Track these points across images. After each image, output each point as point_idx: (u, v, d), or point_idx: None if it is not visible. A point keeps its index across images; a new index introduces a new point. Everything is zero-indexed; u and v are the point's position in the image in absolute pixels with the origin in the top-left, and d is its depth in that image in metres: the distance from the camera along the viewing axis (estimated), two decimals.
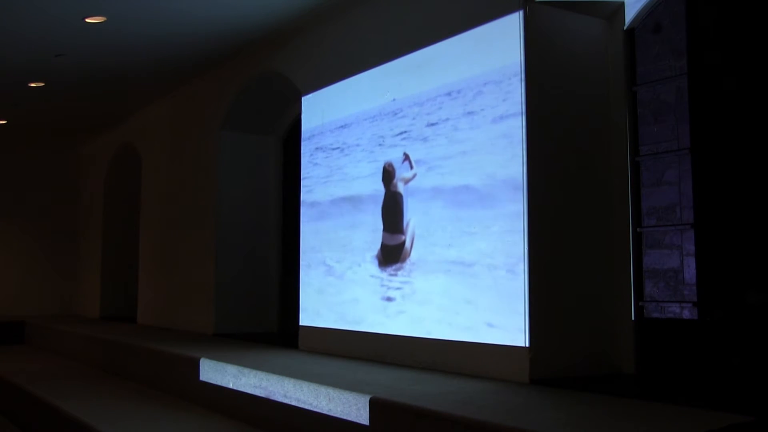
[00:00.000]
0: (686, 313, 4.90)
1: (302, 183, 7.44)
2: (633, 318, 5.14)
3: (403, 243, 6.01)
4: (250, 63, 8.54)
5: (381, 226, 6.29)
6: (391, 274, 6.10)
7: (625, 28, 5.34)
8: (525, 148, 4.98)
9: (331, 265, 6.86)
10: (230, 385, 5.78)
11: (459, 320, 5.40)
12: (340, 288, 6.72)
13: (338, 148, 6.91)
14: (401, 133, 6.14)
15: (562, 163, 5.17)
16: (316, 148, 7.23)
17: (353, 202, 6.66)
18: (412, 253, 5.88)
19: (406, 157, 6.06)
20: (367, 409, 4.34)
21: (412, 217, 5.93)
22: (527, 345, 4.86)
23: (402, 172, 6.09)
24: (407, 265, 5.93)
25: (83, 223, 14.03)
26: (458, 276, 5.44)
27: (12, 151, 13.67)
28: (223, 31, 7.87)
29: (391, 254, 6.14)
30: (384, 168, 6.30)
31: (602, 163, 5.34)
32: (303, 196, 7.39)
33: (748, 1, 4.81)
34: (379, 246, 6.28)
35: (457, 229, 5.49)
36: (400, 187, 6.11)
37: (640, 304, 5.15)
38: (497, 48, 5.25)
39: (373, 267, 6.32)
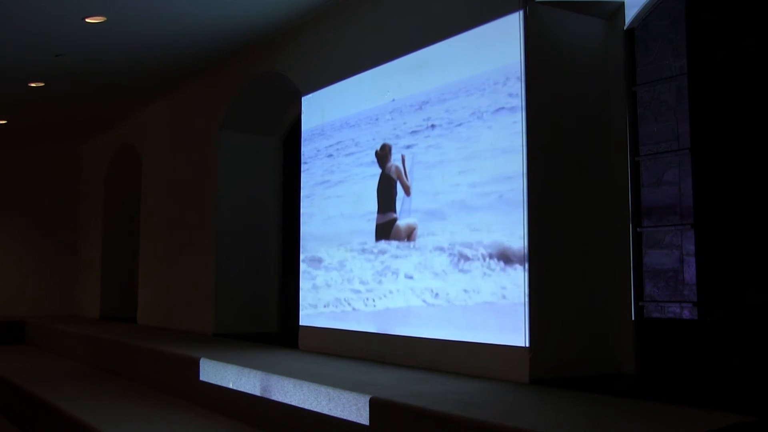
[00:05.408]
0: (686, 313, 4.90)
1: (302, 183, 7.44)
2: (633, 318, 5.14)
3: (394, 220, 6.04)
4: (250, 63, 8.54)
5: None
6: (385, 250, 6.13)
7: (625, 28, 5.34)
8: (525, 147, 4.98)
9: (332, 263, 6.86)
10: (230, 385, 5.78)
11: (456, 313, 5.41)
12: (340, 287, 6.72)
13: (338, 148, 6.91)
14: (401, 133, 6.14)
15: (562, 163, 5.18)
16: (316, 148, 7.24)
17: (353, 201, 6.66)
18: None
19: (403, 160, 6.08)
20: (367, 409, 4.34)
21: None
22: (527, 345, 4.86)
23: (402, 168, 6.10)
24: (402, 244, 5.94)
25: (83, 223, 14.02)
26: (457, 275, 5.44)
27: (12, 152, 13.67)
28: (224, 31, 7.87)
29: (383, 233, 6.19)
30: (375, 152, 6.37)
31: (602, 163, 5.34)
32: (303, 196, 7.39)
33: (748, 0, 4.81)
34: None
35: (457, 227, 5.49)
36: (393, 173, 6.15)
37: (640, 304, 5.15)
38: (497, 48, 5.25)
39: (373, 263, 6.32)
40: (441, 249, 5.62)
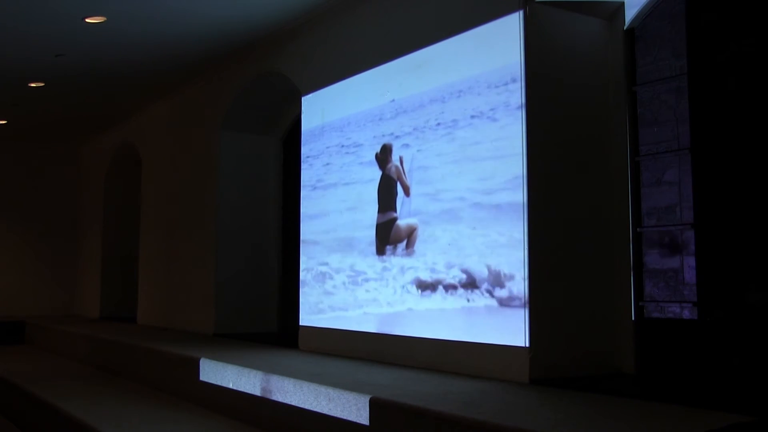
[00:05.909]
0: (686, 313, 4.90)
1: (302, 183, 7.44)
2: (633, 318, 5.14)
3: (395, 219, 6.04)
4: (250, 63, 8.54)
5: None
6: (388, 258, 6.10)
7: (625, 28, 5.34)
8: (525, 148, 4.98)
9: (332, 264, 6.86)
10: (230, 385, 5.78)
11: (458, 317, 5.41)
12: (340, 287, 6.71)
13: (338, 148, 6.91)
14: (401, 134, 6.14)
15: (562, 164, 5.17)
16: (316, 148, 7.23)
17: (353, 201, 6.66)
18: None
19: (401, 162, 6.08)
20: (367, 409, 4.34)
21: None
22: (527, 345, 4.86)
23: (402, 168, 6.10)
24: (401, 248, 5.94)
25: (83, 223, 14.03)
26: (457, 275, 5.44)
27: (12, 151, 13.67)
28: (224, 31, 7.87)
29: (383, 232, 6.19)
30: (375, 155, 6.37)
31: (602, 163, 5.34)
32: (303, 196, 7.39)
33: (748, 0, 4.81)
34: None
35: (457, 227, 5.49)
36: (393, 173, 6.15)
37: (640, 304, 5.15)
38: (497, 48, 5.25)
39: (373, 263, 6.32)
40: (441, 249, 5.62)
